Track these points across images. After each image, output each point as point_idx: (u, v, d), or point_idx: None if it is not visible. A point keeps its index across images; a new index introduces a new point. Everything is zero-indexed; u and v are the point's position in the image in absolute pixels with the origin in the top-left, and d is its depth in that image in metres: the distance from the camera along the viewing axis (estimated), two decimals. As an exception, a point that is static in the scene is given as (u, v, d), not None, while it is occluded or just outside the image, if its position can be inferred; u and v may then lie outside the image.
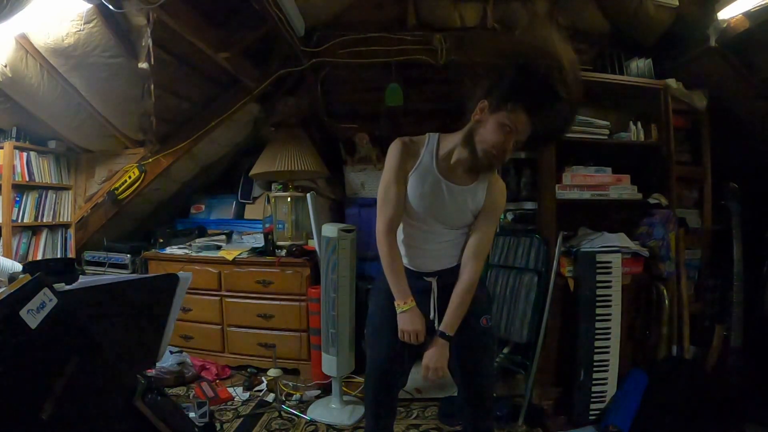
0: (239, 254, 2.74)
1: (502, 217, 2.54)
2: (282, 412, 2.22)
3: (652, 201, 2.28)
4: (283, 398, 2.35)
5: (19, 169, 2.69)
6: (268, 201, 2.98)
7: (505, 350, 2.34)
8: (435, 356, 1.24)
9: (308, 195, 2.43)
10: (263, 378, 2.49)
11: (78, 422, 0.82)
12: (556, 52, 1.09)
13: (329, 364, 2.26)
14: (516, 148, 1.18)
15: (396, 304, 1.27)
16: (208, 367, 2.64)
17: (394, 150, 1.28)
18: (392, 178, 1.26)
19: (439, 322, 1.29)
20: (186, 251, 2.86)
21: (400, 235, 1.34)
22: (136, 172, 2.81)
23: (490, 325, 1.36)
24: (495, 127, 1.14)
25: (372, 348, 1.38)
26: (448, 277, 1.29)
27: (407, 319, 1.25)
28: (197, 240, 3.05)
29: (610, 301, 2.07)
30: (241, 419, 2.16)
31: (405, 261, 1.34)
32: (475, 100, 1.18)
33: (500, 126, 1.13)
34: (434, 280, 1.31)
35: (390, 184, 1.26)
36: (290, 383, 2.53)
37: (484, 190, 1.27)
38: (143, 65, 2.16)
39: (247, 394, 2.42)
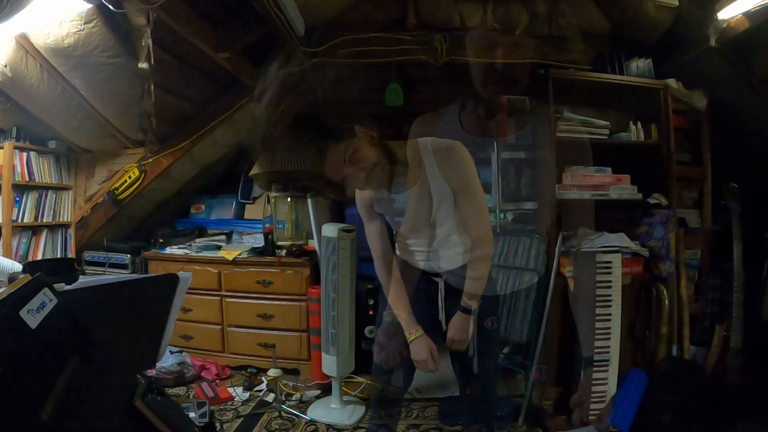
0: (239, 254, 2.74)
1: (502, 216, 2.53)
2: (282, 412, 2.22)
3: (652, 201, 2.28)
4: (283, 398, 2.34)
5: (19, 169, 2.69)
6: (268, 201, 2.98)
7: (505, 350, 2.34)
8: (458, 328, 1.28)
9: (308, 196, 2.43)
10: (263, 378, 2.49)
11: (78, 422, 0.82)
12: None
13: (329, 364, 2.26)
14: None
15: (405, 333, 1.31)
16: (208, 367, 2.64)
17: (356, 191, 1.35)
18: (365, 218, 1.36)
19: (446, 320, 1.32)
20: (186, 251, 2.86)
21: (405, 245, 1.37)
22: (136, 172, 2.81)
23: (495, 327, 1.38)
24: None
25: (380, 347, 1.40)
26: (455, 278, 1.31)
27: (416, 349, 1.29)
28: (197, 240, 3.05)
29: (610, 301, 2.07)
30: (241, 419, 2.16)
31: (414, 262, 1.36)
32: None
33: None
34: (441, 280, 1.33)
35: (366, 222, 1.36)
36: (290, 383, 2.53)
37: (432, 167, 1.23)
38: (143, 65, 2.16)
39: (247, 394, 2.42)
